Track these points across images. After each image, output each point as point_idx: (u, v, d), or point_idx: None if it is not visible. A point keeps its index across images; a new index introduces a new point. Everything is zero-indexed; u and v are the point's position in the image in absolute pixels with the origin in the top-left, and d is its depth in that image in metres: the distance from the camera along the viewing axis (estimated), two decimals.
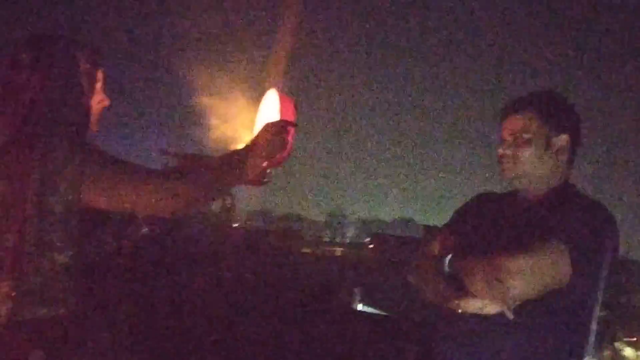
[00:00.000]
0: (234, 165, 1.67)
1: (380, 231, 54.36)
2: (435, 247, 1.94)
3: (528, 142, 1.83)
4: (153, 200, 1.56)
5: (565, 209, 1.75)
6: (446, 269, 1.82)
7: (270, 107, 1.82)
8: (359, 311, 12.01)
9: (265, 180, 1.80)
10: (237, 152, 1.71)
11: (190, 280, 7.51)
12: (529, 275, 1.63)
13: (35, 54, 1.56)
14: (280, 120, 1.75)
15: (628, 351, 21.86)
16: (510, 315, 1.68)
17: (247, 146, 1.71)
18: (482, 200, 2.04)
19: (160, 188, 1.57)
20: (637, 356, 23.04)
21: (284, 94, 1.81)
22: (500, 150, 1.87)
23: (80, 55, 1.60)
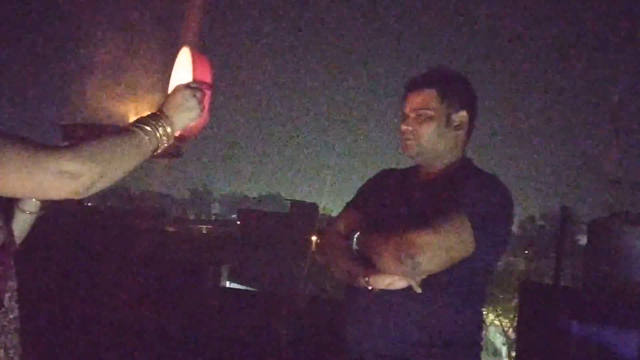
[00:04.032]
0: (142, 134, 1.35)
1: (246, 207, 54.36)
2: (342, 226, 1.95)
3: (429, 118, 1.88)
4: (46, 182, 1.21)
5: (464, 183, 1.82)
6: (354, 246, 1.84)
7: (183, 68, 1.58)
8: (227, 288, 12.00)
9: (180, 151, 1.56)
10: (142, 120, 1.39)
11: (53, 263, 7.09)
12: (437, 249, 1.67)
13: None
14: (193, 82, 1.50)
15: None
16: (418, 289, 1.71)
17: (153, 113, 1.42)
18: (385, 176, 2.07)
19: (56, 167, 1.21)
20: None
21: (199, 52, 1.56)
22: (403, 126, 1.91)
23: None
